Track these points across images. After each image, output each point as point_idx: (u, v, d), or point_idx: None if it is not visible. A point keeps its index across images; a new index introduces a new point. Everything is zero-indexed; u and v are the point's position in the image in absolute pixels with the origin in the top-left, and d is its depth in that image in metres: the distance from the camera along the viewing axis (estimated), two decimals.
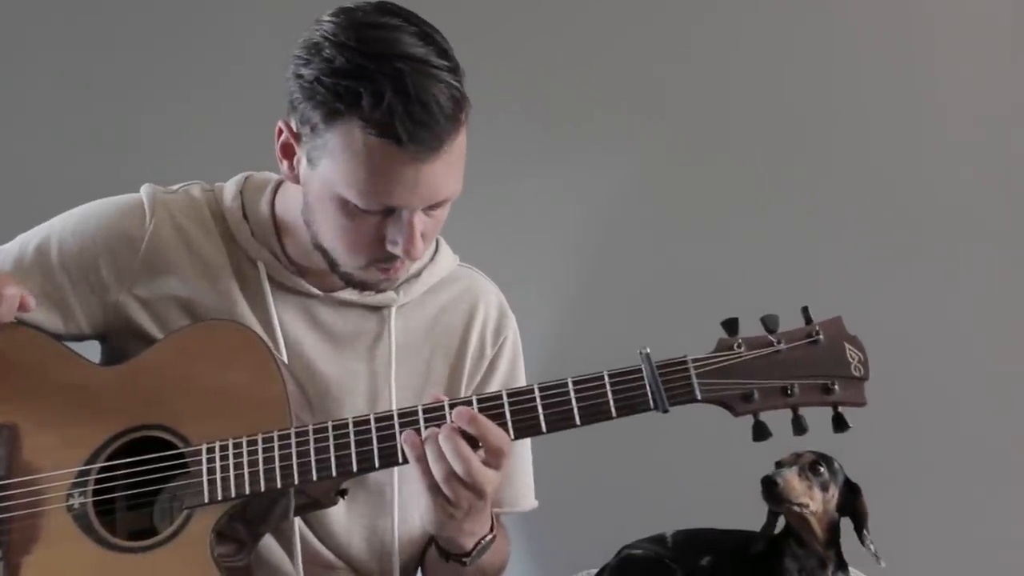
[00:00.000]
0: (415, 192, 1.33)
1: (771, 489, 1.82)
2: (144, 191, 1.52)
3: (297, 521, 1.48)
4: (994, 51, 2.64)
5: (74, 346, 1.47)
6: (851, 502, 1.87)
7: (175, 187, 1.55)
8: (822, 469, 1.86)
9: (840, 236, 2.60)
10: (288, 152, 1.40)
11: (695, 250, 2.61)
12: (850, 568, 1.91)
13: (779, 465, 1.87)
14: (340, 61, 1.29)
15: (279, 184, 1.53)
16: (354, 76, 1.28)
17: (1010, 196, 2.60)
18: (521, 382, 1.63)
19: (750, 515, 1.95)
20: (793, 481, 1.83)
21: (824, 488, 1.85)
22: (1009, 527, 2.51)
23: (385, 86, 1.27)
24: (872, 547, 1.83)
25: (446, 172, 1.34)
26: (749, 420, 1.34)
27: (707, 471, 2.44)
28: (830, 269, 2.55)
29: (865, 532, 1.84)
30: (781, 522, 1.92)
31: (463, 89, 1.33)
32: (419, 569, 1.62)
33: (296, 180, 1.42)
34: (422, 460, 1.29)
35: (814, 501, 1.85)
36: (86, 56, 2.70)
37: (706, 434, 2.06)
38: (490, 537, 1.44)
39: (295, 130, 1.37)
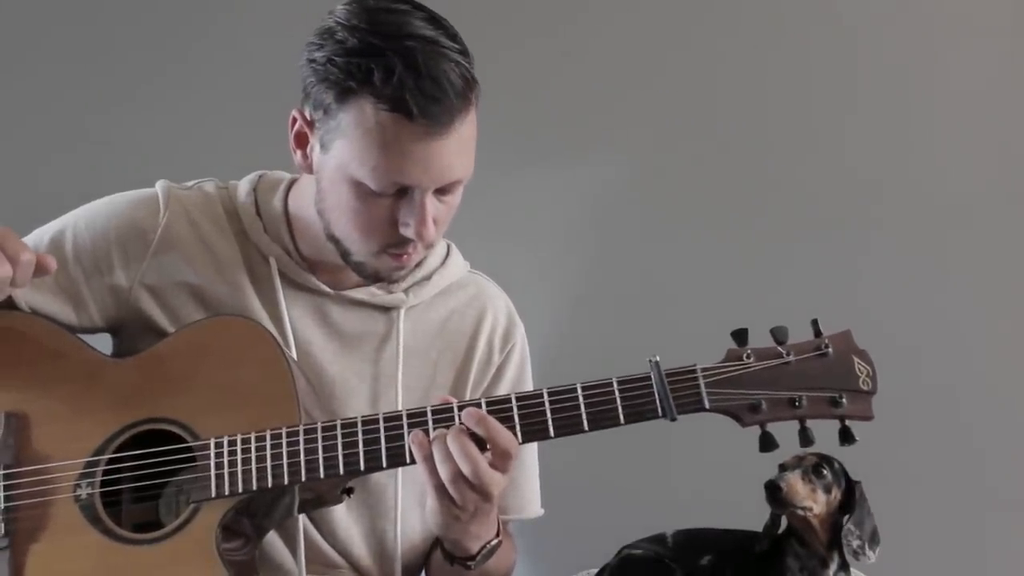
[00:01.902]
0: (426, 170, 1.34)
1: (775, 494, 1.82)
2: (159, 186, 1.53)
3: (301, 519, 1.49)
4: (998, 51, 2.64)
5: (86, 339, 1.47)
6: (853, 501, 1.88)
7: (189, 184, 1.56)
8: (825, 471, 1.86)
9: (852, 246, 2.59)
10: (302, 141, 1.41)
11: (703, 257, 2.61)
12: (852, 569, 1.91)
13: (782, 468, 1.87)
14: (352, 42, 1.31)
15: (292, 182, 1.54)
16: (366, 54, 1.30)
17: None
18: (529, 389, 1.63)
19: (751, 515, 1.95)
20: (797, 485, 1.83)
21: (827, 490, 1.85)
22: (1009, 528, 2.52)
23: (396, 62, 1.29)
24: (855, 543, 1.83)
25: (457, 151, 1.35)
26: (756, 431, 1.34)
27: (707, 471, 2.44)
28: (840, 278, 2.55)
29: (850, 526, 1.84)
30: (784, 521, 1.93)
31: (473, 72, 1.35)
32: (422, 573, 1.63)
33: (309, 169, 1.42)
34: (429, 460, 1.29)
35: (817, 504, 1.85)
36: (91, 56, 2.70)
37: (706, 434, 2.05)
38: (495, 542, 1.44)
39: (308, 117, 1.39)
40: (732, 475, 1.95)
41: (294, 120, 1.41)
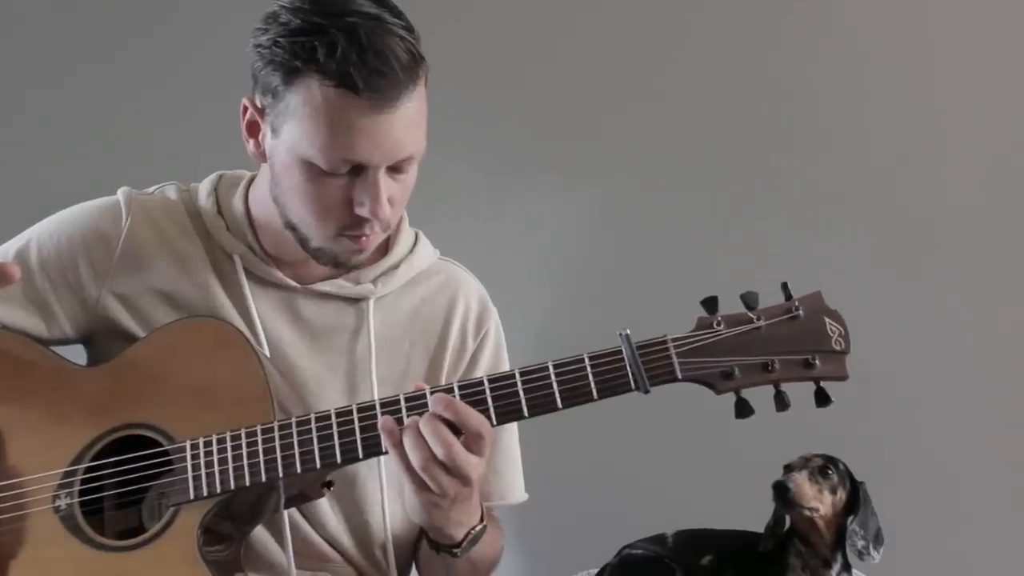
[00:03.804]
0: (377, 146, 1.33)
1: (783, 495, 1.82)
2: (120, 192, 1.53)
3: (287, 513, 1.48)
4: (992, 48, 2.65)
5: (60, 351, 1.47)
6: (857, 502, 1.87)
7: (151, 189, 1.56)
8: (831, 472, 1.86)
9: (833, 231, 2.60)
10: (254, 130, 1.42)
11: (683, 249, 2.63)
12: (854, 570, 1.91)
13: (788, 469, 1.87)
14: (296, 23, 1.32)
15: (252, 180, 1.55)
16: (309, 32, 1.31)
17: (995, 181, 2.61)
18: None
19: (751, 515, 1.95)
20: (804, 486, 1.84)
21: (833, 491, 1.86)
22: (1008, 526, 2.50)
23: (339, 38, 1.29)
24: (860, 543, 1.82)
25: (406, 126, 1.35)
26: (748, 419, 1.32)
27: (708, 471, 2.44)
28: (826, 268, 2.55)
29: (855, 527, 1.84)
30: (787, 520, 1.92)
31: (419, 48, 1.35)
32: (412, 565, 1.62)
33: (263, 157, 1.43)
34: (399, 447, 1.28)
35: (824, 505, 1.85)
36: (66, 58, 2.73)
37: (707, 434, 2.06)
38: (480, 527, 1.43)
39: (259, 104, 1.39)
40: (733, 475, 1.95)
41: (245, 109, 1.41)
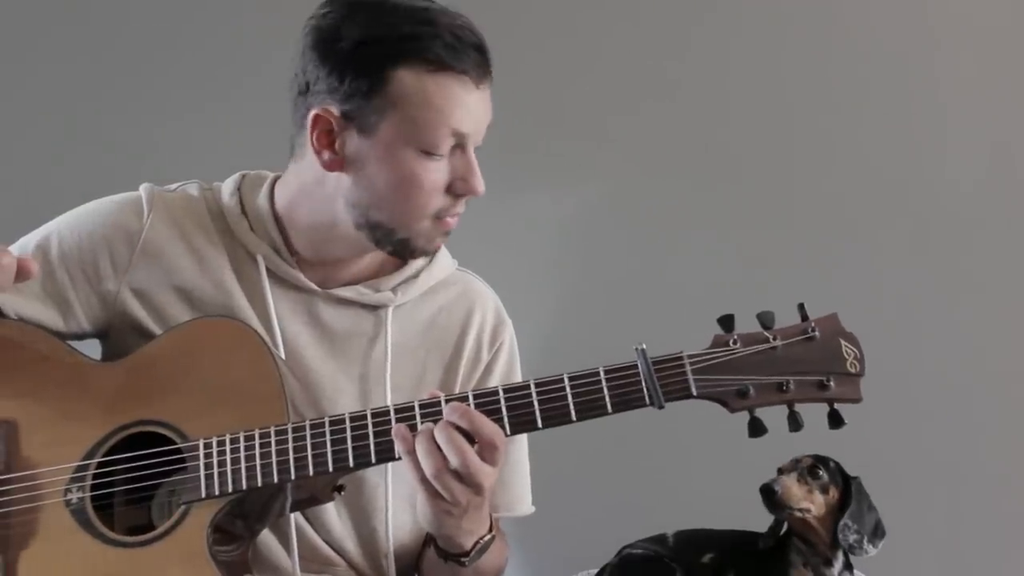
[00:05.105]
0: (478, 119, 1.41)
1: (771, 497, 1.82)
2: (143, 188, 1.53)
3: (294, 517, 1.48)
4: (993, 49, 2.64)
5: (75, 344, 1.47)
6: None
7: (173, 186, 1.56)
8: (821, 472, 1.86)
9: (838, 235, 2.60)
10: (327, 140, 1.41)
11: (692, 251, 2.63)
12: (855, 570, 1.91)
13: (780, 472, 1.87)
14: (375, 25, 1.36)
15: (276, 179, 1.54)
16: (396, 27, 1.36)
17: (1006, 190, 2.61)
18: None
19: (751, 516, 1.95)
20: (792, 488, 1.84)
21: (824, 490, 1.86)
22: (1009, 525, 2.51)
23: (427, 27, 1.36)
24: (852, 537, 1.83)
25: (490, 99, 1.43)
26: (747, 418, 1.33)
27: (708, 471, 2.45)
28: (826, 268, 2.56)
29: (847, 521, 1.84)
30: None
31: None
32: (415, 572, 1.62)
33: (340, 165, 1.42)
34: (412, 455, 1.29)
35: (815, 505, 1.85)
36: (85, 59, 2.72)
37: (707, 434, 2.06)
38: (489, 537, 1.43)
39: (338, 112, 1.39)
40: (733, 476, 1.94)
41: (316, 119, 1.40)
